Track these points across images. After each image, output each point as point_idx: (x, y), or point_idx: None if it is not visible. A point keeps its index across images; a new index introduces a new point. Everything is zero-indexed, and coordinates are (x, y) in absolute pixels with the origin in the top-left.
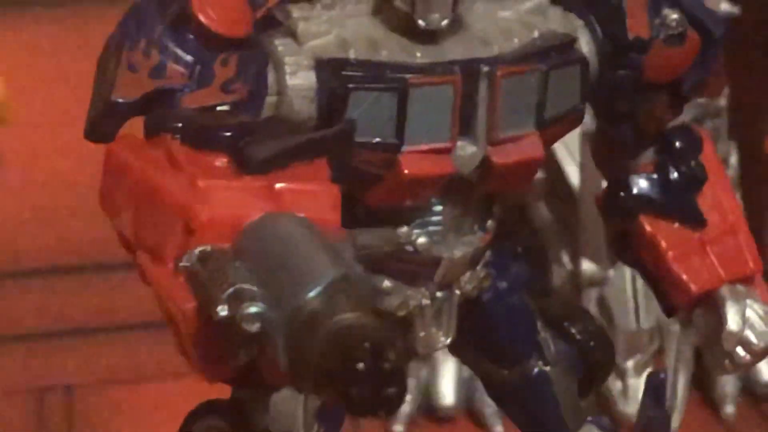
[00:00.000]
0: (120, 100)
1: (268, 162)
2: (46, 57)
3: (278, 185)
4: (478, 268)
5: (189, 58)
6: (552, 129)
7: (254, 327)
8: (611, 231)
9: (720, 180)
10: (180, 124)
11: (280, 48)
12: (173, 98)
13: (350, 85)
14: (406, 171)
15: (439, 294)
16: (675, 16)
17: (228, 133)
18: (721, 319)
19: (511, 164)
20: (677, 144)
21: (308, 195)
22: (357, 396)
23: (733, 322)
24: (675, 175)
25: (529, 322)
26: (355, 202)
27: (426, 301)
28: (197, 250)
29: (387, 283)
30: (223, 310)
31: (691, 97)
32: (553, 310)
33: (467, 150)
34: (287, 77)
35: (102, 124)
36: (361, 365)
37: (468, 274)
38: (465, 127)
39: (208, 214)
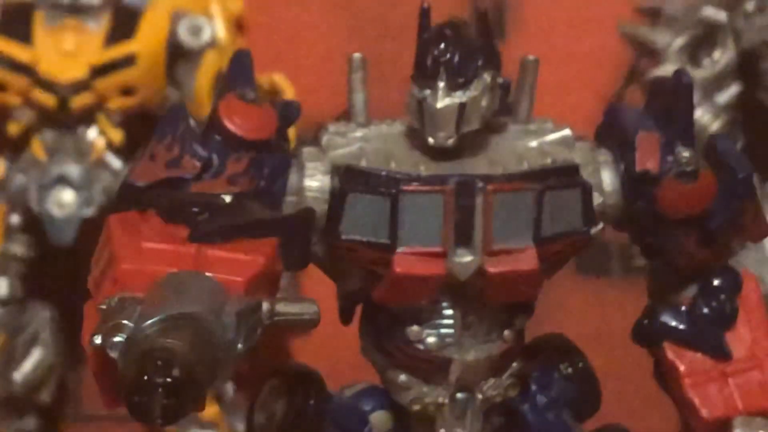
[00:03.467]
0: (134, 183)
1: (209, 234)
2: None
3: (212, 252)
4: (504, 376)
5: (205, 153)
6: (551, 246)
7: (115, 354)
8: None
9: (757, 319)
10: (159, 201)
11: (305, 154)
12: (183, 185)
13: (348, 188)
14: (398, 270)
15: (459, 395)
16: (686, 153)
17: (193, 209)
18: None
19: (504, 273)
20: (714, 282)
21: (230, 262)
22: (138, 402)
23: None
24: (705, 310)
25: None
26: (378, 310)
27: (442, 399)
28: (117, 296)
29: (402, 377)
30: (96, 339)
31: (725, 239)
32: None
33: (464, 258)
34: (305, 179)
35: (119, 200)
36: (145, 376)
37: (492, 380)
38: (463, 236)
39: (128, 268)
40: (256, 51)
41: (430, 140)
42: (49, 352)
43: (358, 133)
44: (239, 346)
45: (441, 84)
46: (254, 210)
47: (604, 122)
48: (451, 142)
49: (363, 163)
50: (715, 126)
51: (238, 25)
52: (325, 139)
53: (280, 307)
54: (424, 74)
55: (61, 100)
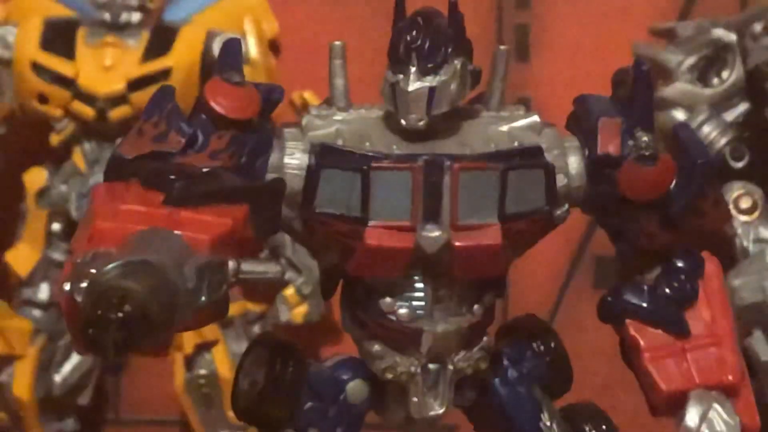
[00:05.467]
0: (121, 155)
1: (183, 199)
2: None
3: (184, 214)
4: (475, 350)
5: (189, 130)
6: (515, 224)
7: (80, 298)
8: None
9: (717, 301)
10: (140, 170)
11: (286, 134)
12: (168, 159)
13: (322, 164)
14: (369, 241)
15: (431, 366)
16: (645, 138)
17: (170, 176)
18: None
19: (469, 248)
20: (676, 264)
21: (199, 222)
22: (92, 335)
23: (690, 419)
24: (666, 290)
25: (534, 411)
26: (355, 284)
27: (414, 369)
28: (91, 252)
29: (377, 347)
30: (66, 286)
31: (686, 222)
32: (574, 410)
33: (433, 232)
34: (285, 157)
35: (107, 170)
36: (99, 312)
37: (462, 353)
38: (431, 212)
39: (101, 226)
40: (289, 70)
41: (403, 122)
42: (88, 355)
43: (338, 117)
44: (202, 298)
45: (412, 69)
46: (227, 179)
47: (573, 111)
48: (422, 124)
49: (339, 143)
50: (722, 142)
51: (272, 46)
52: (305, 120)
53: (246, 266)
54: (397, 59)
55: (100, 112)
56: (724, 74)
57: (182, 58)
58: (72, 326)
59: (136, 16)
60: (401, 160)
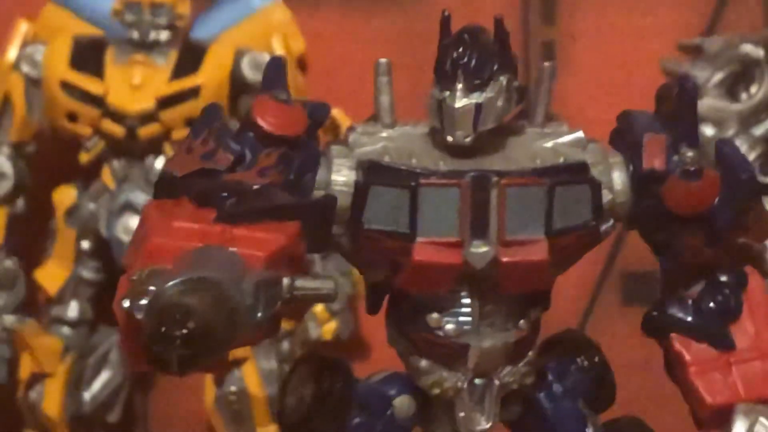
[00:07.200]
0: (171, 173)
1: (236, 216)
2: None
3: (237, 231)
4: (521, 365)
5: (237, 147)
6: (562, 239)
7: (141, 315)
8: None
9: (761, 315)
10: (191, 188)
11: (333, 151)
12: (216, 177)
13: (370, 181)
14: (417, 258)
15: (477, 381)
16: (690, 153)
17: (222, 194)
18: None
19: (517, 263)
20: (720, 278)
21: (253, 239)
22: (156, 352)
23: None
24: (710, 304)
25: (579, 426)
26: (402, 300)
27: (461, 384)
28: (147, 269)
29: (424, 363)
30: (125, 303)
31: (729, 236)
32: (618, 425)
33: (480, 248)
34: (332, 174)
35: (157, 188)
36: (164, 328)
37: (508, 368)
38: (479, 228)
39: (156, 242)
40: (316, 87)
41: (449, 138)
42: (117, 373)
43: (384, 133)
44: (258, 314)
45: (459, 85)
46: (279, 196)
47: (617, 127)
48: (468, 140)
49: (386, 159)
50: (751, 157)
51: (300, 64)
52: (352, 138)
53: (299, 283)
54: (443, 76)
55: (129, 131)
56: (753, 89)
57: (211, 76)
58: (130, 343)
59: (164, 35)
60: (449, 177)
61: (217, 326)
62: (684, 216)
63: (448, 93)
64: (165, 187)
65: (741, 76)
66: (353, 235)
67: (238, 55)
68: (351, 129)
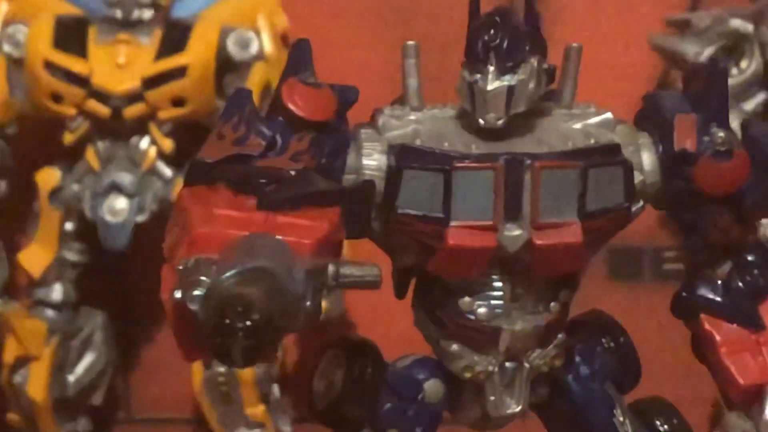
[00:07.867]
0: (204, 159)
1: (277, 202)
2: None
3: (281, 218)
4: (550, 347)
5: (269, 132)
6: (595, 221)
7: (195, 306)
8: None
9: None
10: (228, 174)
11: (363, 135)
12: (249, 162)
13: (403, 165)
14: (451, 242)
15: (508, 364)
16: (722, 134)
17: (261, 180)
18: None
19: (550, 246)
20: (748, 257)
21: (297, 226)
22: (220, 344)
23: None
24: (739, 283)
25: (607, 407)
26: (432, 284)
27: (492, 368)
28: (193, 258)
29: (455, 347)
30: (177, 293)
31: (757, 216)
32: (644, 405)
33: (513, 231)
34: (363, 158)
35: (189, 175)
36: (227, 320)
37: (538, 350)
38: (512, 211)
39: (203, 231)
40: None
41: (481, 121)
42: (101, 355)
43: (412, 116)
44: (308, 302)
45: (491, 68)
46: (318, 181)
47: (643, 108)
48: (500, 122)
49: (418, 143)
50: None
51: (284, 41)
52: (381, 121)
53: (345, 270)
54: (474, 59)
55: (115, 111)
56: (743, 64)
57: (198, 55)
58: (182, 334)
59: (147, 13)
60: (483, 160)
61: (278, 316)
62: (714, 196)
63: (479, 76)
64: (198, 174)
65: (731, 50)
66: (385, 219)
67: (224, 33)
68: (378, 111)
